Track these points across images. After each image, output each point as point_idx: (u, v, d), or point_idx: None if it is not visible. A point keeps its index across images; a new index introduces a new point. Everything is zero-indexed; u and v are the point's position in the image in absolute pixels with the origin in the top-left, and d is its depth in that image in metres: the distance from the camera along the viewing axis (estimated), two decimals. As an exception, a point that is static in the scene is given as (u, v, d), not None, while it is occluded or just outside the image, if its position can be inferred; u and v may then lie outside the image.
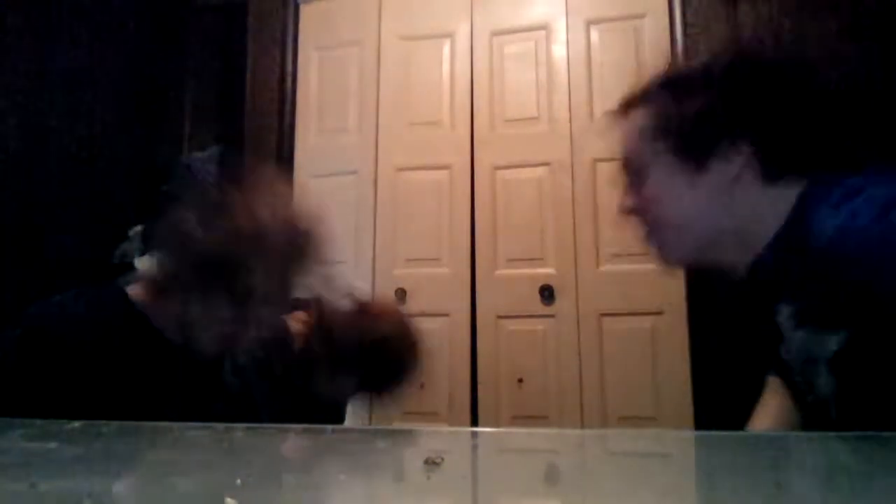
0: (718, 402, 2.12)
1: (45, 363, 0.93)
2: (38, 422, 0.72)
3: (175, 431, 0.72)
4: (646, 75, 0.86)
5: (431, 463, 0.49)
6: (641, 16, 2.68)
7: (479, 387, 2.61)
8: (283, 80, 2.98)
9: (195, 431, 0.72)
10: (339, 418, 1.61)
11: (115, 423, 0.73)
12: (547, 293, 2.58)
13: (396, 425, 2.54)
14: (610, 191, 2.59)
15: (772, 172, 0.77)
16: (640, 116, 0.84)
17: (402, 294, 2.74)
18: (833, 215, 0.69)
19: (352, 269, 2.77)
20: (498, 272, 2.66)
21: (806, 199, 0.74)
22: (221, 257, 0.95)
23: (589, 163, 2.64)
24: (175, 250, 1.01)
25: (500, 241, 2.68)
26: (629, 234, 0.89)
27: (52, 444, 0.61)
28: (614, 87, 2.68)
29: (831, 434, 0.69)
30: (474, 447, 0.72)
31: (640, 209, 0.85)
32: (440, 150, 2.81)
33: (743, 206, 0.78)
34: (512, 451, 0.69)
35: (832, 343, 0.70)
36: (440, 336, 2.69)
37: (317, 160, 2.95)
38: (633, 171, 0.85)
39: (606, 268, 2.56)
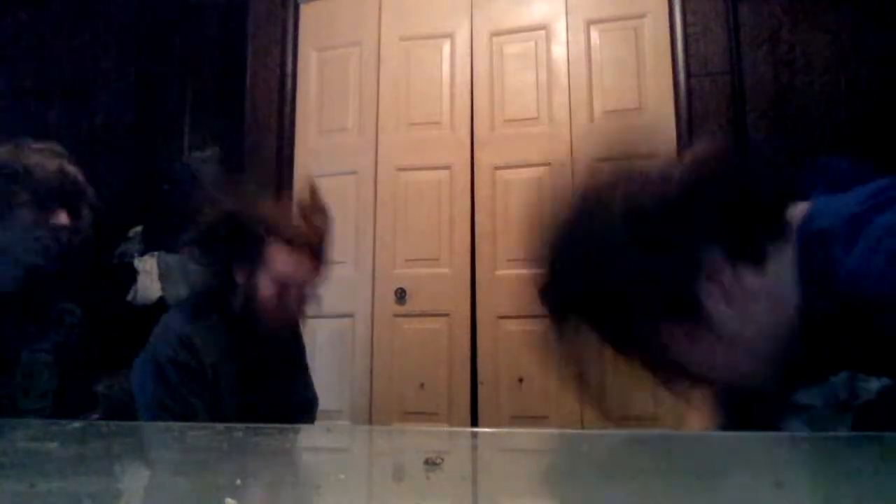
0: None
1: None
2: (38, 422, 0.72)
3: (175, 431, 0.72)
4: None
5: (431, 463, 0.49)
6: (641, 16, 2.68)
7: (479, 387, 2.61)
8: (283, 80, 2.98)
9: (195, 431, 0.71)
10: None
11: (114, 423, 0.73)
12: (547, 293, 2.58)
13: (396, 425, 2.54)
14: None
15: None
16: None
17: (402, 294, 2.74)
18: (847, 252, 0.62)
19: (352, 269, 2.77)
20: (498, 272, 2.66)
21: (812, 242, 0.66)
22: None
23: (589, 163, 2.63)
24: None
25: (500, 241, 2.68)
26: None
27: (52, 444, 0.61)
28: (614, 87, 2.68)
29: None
30: (474, 447, 0.72)
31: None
32: (440, 150, 2.81)
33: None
34: (512, 451, 0.69)
35: (869, 390, 0.66)
36: (440, 336, 2.69)
37: (317, 160, 2.95)
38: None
39: (606, 268, 2.55)
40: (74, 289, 1.49)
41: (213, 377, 1.37)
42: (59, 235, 1.26)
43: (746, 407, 0.78)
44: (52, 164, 1.26)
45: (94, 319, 1.50)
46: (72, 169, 1.29)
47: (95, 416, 1.53)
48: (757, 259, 0.67)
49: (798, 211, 0.69)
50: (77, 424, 0.70)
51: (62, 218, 1.26)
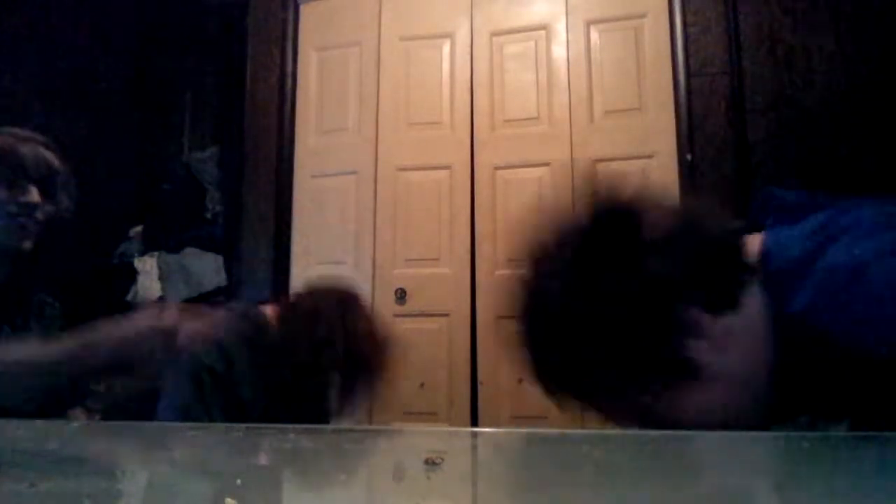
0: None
1: None
2: (38, 422, 0.72)
3: (175, 431, 0.72)
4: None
5: (431, 463, 0.49)
6: (641, 16, 2.68)
7: (479, 387, 2.61)
8: (283, 80, 2.98)
9: (195, 431, 0.72)
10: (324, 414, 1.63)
11: (114, 423, 0.73)
12: (547, 293, 2.58)
13: (396, 425, 2.54)
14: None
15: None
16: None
17: (402, 294, 2.74)
18: (801, 290, 0.63)
19: (352, 269, 2.77)
20: (498, 272, 2.66)
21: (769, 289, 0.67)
22: None
23: (589, 163, 2.64)
24: None
25: (500, 241, 2.68)
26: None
27: (53, 445, 0.61)
28: (614, 87, 2.68)
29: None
30: (474, 447, 0.72)
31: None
32: (440, 150, 2.81)
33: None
34: (512, 451, 0.69)
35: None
36: (440, 336, 2.69)
37: (317, 160, 2.95)
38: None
39: (606, 268, 2.55)
40: (53, 281, 1.46)
41: (238, 390, 1.36)
42: (32, 213, 1.24)
43: None
44: (25, 147, 1.25)
45: (87, 317, 1.48)
46: (47, 153, 1.29)
47: (96, 415, 1.52)
48: (729, 303, 0.67)
49: (753, 246, 0.69)
50: (77, 424, 0.71)
51: (33, 195, 1.24)
